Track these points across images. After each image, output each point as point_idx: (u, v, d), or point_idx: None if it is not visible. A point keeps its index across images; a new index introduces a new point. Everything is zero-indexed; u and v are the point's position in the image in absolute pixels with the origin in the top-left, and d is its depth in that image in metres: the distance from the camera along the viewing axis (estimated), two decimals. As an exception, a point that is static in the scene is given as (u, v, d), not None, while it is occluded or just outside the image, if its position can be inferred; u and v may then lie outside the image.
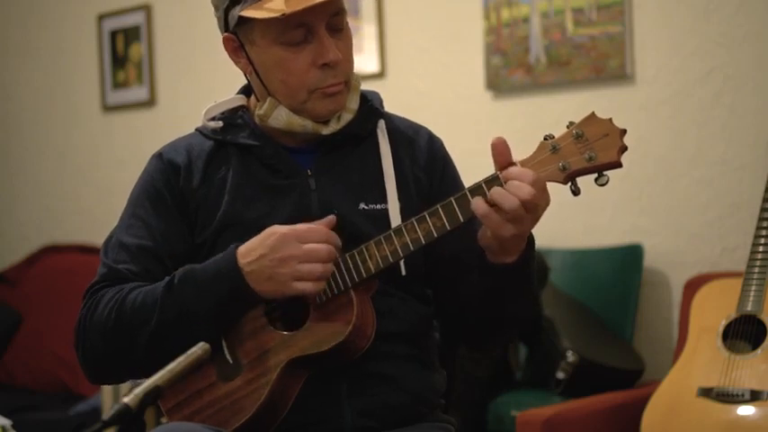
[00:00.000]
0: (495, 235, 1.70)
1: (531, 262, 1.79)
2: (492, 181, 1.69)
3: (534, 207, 1.67)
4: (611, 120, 1.70)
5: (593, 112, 1.71)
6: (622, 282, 3.38)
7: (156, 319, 1.76)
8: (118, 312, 1.79)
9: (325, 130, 1.88)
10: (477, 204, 1.68)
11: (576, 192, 1.71)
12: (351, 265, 1.76)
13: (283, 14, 1.75)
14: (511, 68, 3.68)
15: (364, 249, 1.76)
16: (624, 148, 1.68)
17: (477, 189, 1.70)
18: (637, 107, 3.45)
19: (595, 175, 1.70)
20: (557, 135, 1.71)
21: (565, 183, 1.70)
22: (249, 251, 1.75)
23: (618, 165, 1.68)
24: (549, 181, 1.70)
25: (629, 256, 3.39)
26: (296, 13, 1.75)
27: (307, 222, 1.76)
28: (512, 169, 1.68)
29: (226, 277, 1.75)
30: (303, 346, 1.75)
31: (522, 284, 1.81)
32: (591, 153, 1.68)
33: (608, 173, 1.69)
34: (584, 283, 3.46)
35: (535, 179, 1.67)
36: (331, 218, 1.77)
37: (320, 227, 1.75)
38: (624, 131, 1.69)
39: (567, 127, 1.70)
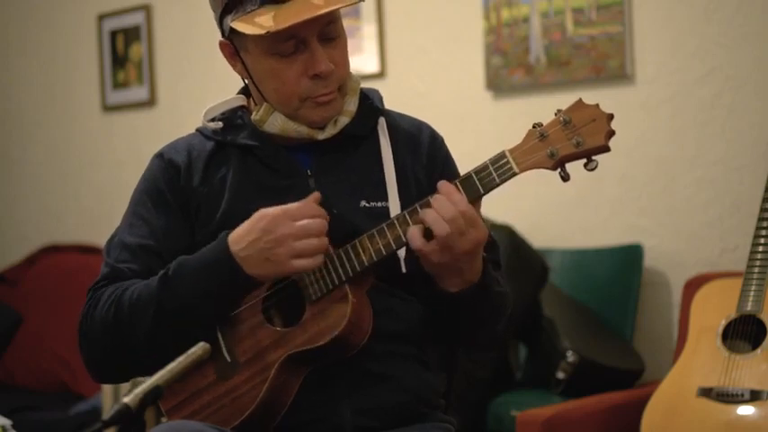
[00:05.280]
0: (424, 262, 1.73)
1: (483, 292, 1.79)
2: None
3: (459, 233, 1.68)
4: (597, 105, 1.71)
5: (580, 99, 1.72)
6: (622, 282, 3.38)
7: (153, 311, 1.77)
8: (116, 307, 1.80)
9: (321, 136, 1.88)
10: (413, 235, 1.71)
11: (565, 178, 1.71)
12: (345, 259, 1.76)
13: (268, 32, 1.76)
14: (511, 68, 3.68)
15: (358, 243, 1.76)
16: (612, 133, 1.69)
17: (467, 179, 1.72)
18: (637, 107, 3.45)
19: (584, 160, 1.70)
20: (545, 123, 1.71)
21: (554, 169, 1.71)
22: (241, 237, 1.75)
23: (606, 149, 1.69)
24: (538, 168, 1.70)
25: (629, 256, 3.39)
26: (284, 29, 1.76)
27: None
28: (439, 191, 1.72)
29: (220, 266, 1.75)
30: (299, 341, 1.75)
31: (470, 311, 1.82)
32: (578, 138, 1.68)
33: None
34: (584, 283, 3.46)
35: (461, 211, 1.69)
36: (316, 194, 1.77)
37: (309, 203, 1.75)
38: (611, 116, 1.70)
39: (555, 114, 1.71)
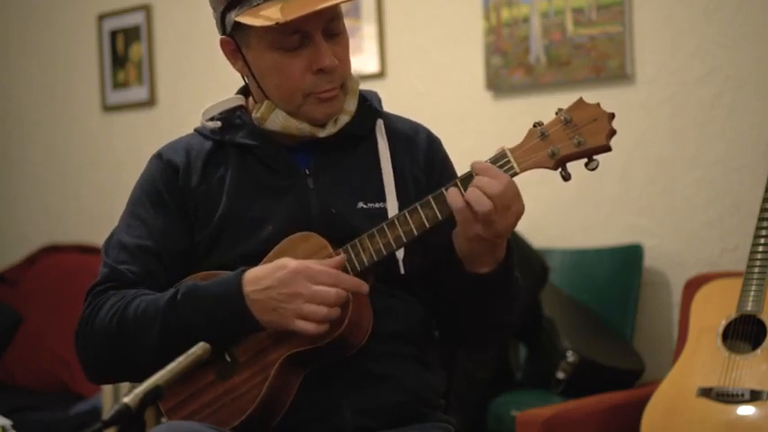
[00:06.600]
0: (465, 234, 1.71)
1: (508, 272, 1.80)
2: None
3: (504, 208, 1.67)
4: (598, 104, 1.71)
5: (580, 98, 1.72)
6: (622, 282, 3.38)
7: (157, 330, 1.76)
8: (120, 321, 1.79)
9: (322, 133, 1.88)
10: (453, 197, 1.68)
11: (566, 177, 1.71)
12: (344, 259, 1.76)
13: (277, 24, 1.75)
14: (511, 68, 3.68)
15: (358, 243, 1.76)
16: (613, 132, 1.69)
17: (467, 179, 1.71)
18: (637, 107, 3.45)
19: (585, 160, 1.70)
20: (545, 122, 1.71)
21: (555, 169, 1.71)
22: (257, 279, 1.74)
23: (607, 149, 1.69)
24: (539, 167, 1.70)
25: (629, 256, 3.39)
26: (292, 20, 1.75)
27: (317, 261, 1.74)
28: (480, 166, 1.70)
29: (229, 301, 1.74)
30: (299, 342, 1.75)
31: (499, 293, 1.82)
32: (579, 138, 1.68)
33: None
34: (584, 283, 3.46)
35: (505, 185, 1.67)
36: (341, 258, 1.75)
37: (332, 270, 1.72)
38: (612, 115, 1.70)
39: (556, 113, 1.71)
